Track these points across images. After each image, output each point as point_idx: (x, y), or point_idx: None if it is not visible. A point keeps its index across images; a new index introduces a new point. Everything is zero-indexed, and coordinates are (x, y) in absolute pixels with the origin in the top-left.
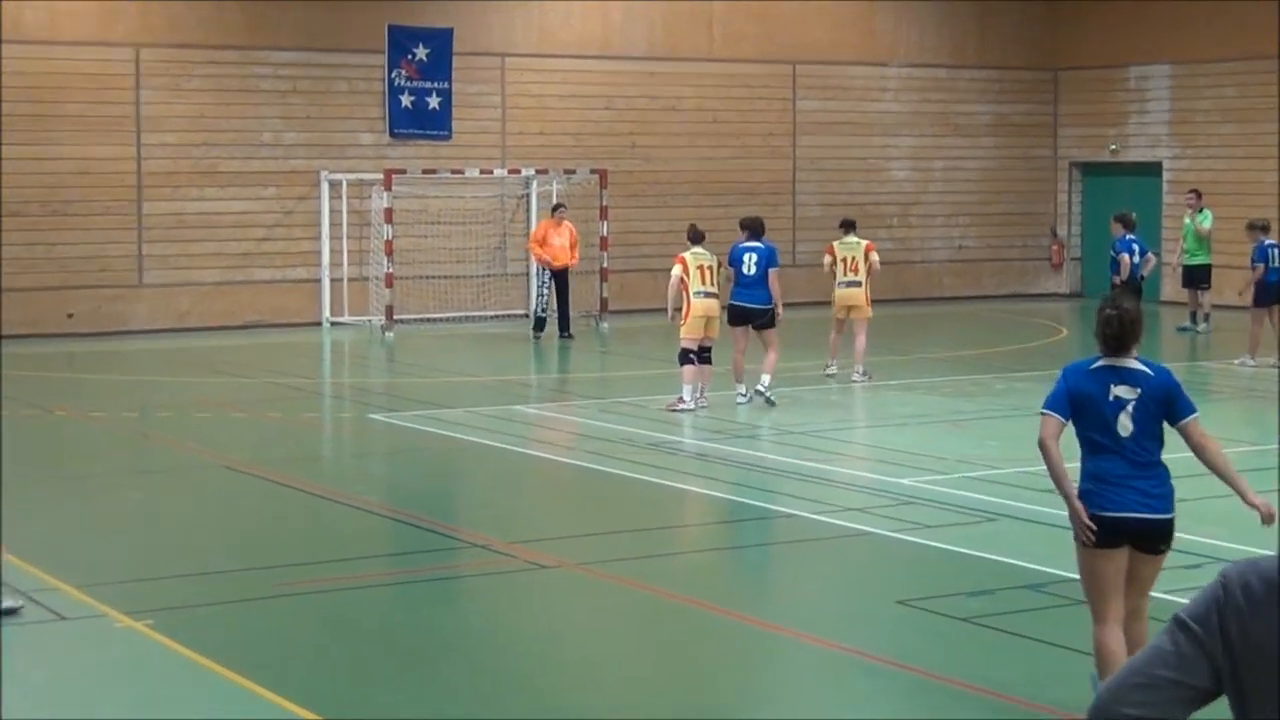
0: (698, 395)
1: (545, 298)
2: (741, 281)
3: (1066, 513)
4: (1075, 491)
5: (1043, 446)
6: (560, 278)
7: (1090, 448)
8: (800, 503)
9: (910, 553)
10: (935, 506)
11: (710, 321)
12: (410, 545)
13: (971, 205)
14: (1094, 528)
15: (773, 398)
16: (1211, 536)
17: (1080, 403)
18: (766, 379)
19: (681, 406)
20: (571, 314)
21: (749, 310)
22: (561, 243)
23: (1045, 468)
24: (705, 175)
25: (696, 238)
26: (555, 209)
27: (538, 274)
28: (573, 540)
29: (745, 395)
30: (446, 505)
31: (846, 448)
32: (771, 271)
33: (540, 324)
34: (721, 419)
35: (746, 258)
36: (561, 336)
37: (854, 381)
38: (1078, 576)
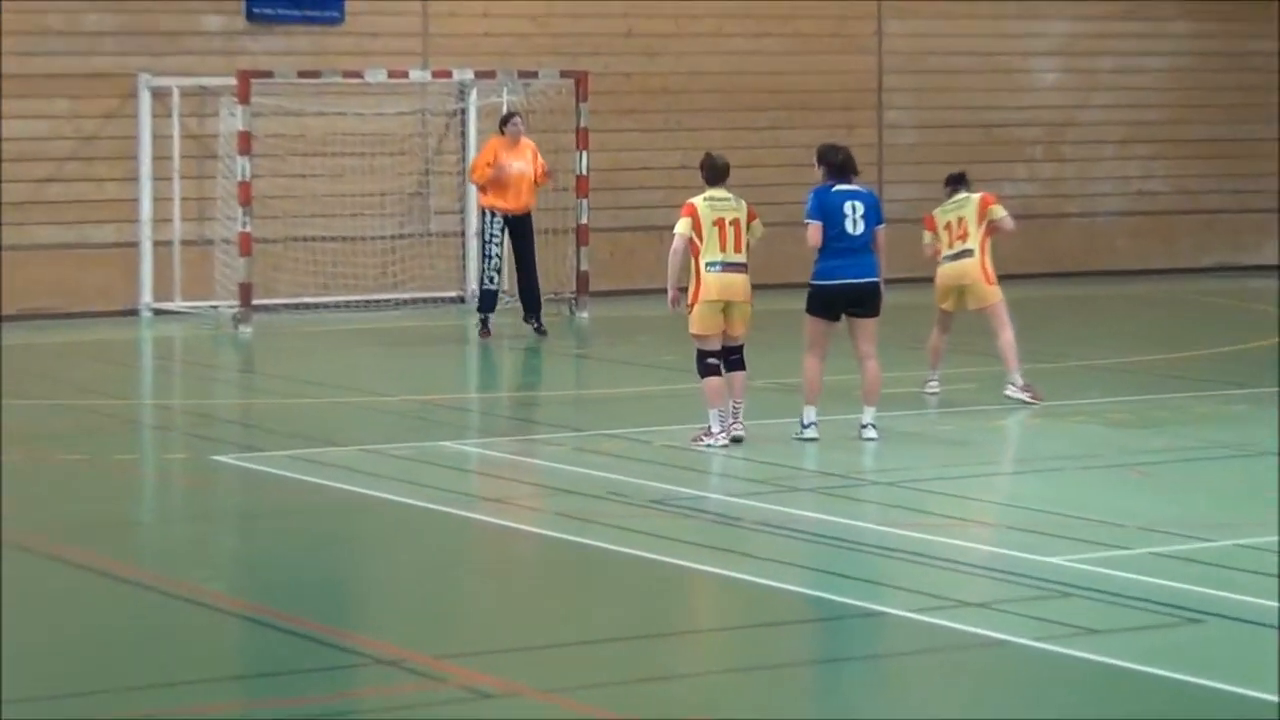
0: (730, 422)
1: (497, 260)
2: (841, 245)
3: None
4: None
5: None
6: (520, 227)
7: None
8: (894, 595)
9: (1067, 672)
10: (1105, 600)
11: (733, 310)
12: (284, 662)
13: (1157, 127)
14: None
15: (873, 432)
16: None
17: None
18: (868, 412)
19: (708, 441)
20: (542, 290)
21: (858, 291)
22: (522, 169)
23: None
24: (739, 81)
25: (715, 174)
26: (506, 121)
27: (483, 223)
28: (534, 654)
29: (810, 426)
30: (339, 600)
31: (964, 508)
32: (882, 230)
33: (489, 302)
34: (767, 461)
35: (850, 208)
36: (528, 323)
37: (1009, 397)
38: None
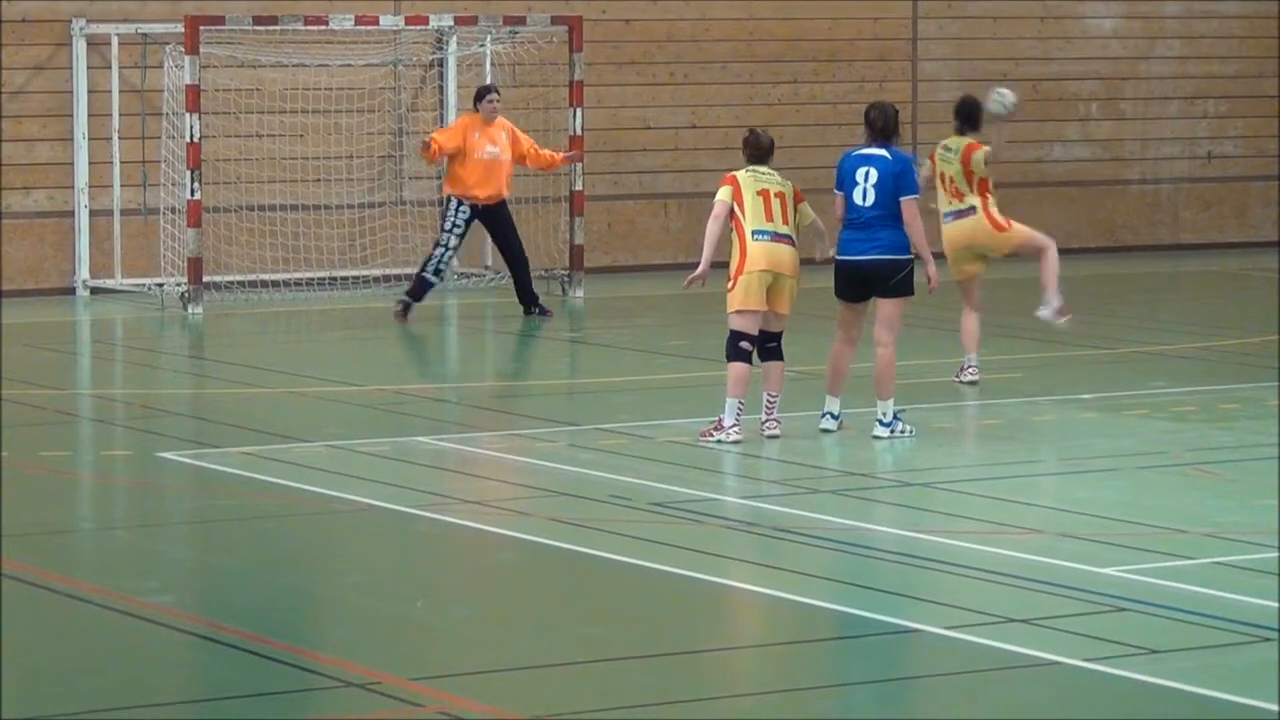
0: (765, 414)
1: (452, 253)
2: (851, 217)
3: None
4: None
5: None
6: (493, 217)
7: None
8: (928, 609)
9: (1123, 697)
10: (1165, 615)
11: (780, 283)
12: (242, 684)
13: (1230, 81)
14: None
15: (907, 427)
16: None
17: None
18: (888, 407)
19: (718, 435)
20: (531, 267)
21: (862, 270)
22: (496, 153)
23: None
24: (755, 28)
25: (761, 153)
26: (482, 96)
27: (446, 208)
28: (522, 676)
29: (826, 416)
30: (302, 616)
31: (1007, 512)
32: (906, 202)
33: (422, 291)
34: (785, 459)
35: (862, 175)
36: (530, 314)
37: (1041, 318)
38: None
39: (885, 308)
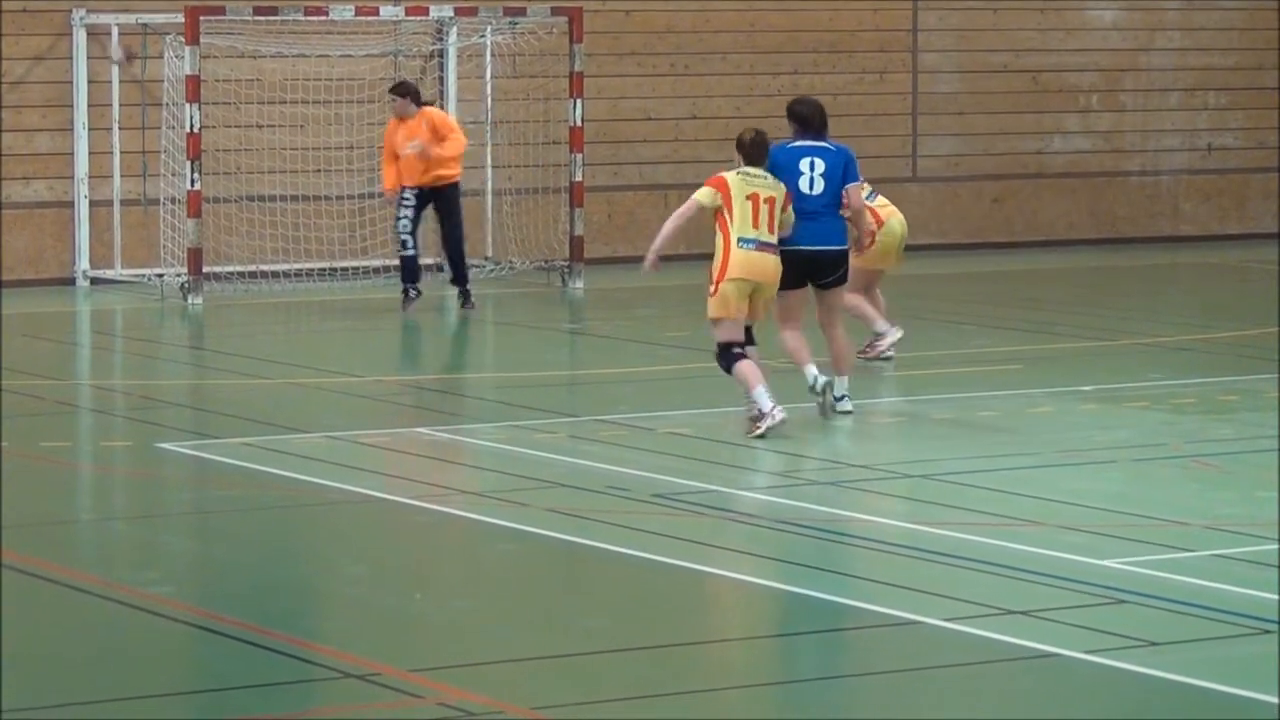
0: (772, 405)
1: (406, 223)
2: (801, 208)
3: None
4: None
5: None
6: (437, 198)
7: None
8: (926, 601)
9: (1122, 688)
10: (1165, 608)
11: (759, 292)
12: (241, 675)
13: (1230, 74)
14: None
15: (849, 404)
16: None
17: None
18: (841, 383)
19: (767, 423)
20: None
21: (815, 259)
22: (417, 147)
23: None
24: (756, 19)
25: (759, 153)
26: (399, 92)
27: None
28: (521, 667)
29: (816, 379)
30: (302, 607)
31: (1007, 503)
32: (852, 189)
33: (407, 272)
34: (785, 451)
35: (807, 165)
36: (462, 302)
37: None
38: None
39: (832, 298)
